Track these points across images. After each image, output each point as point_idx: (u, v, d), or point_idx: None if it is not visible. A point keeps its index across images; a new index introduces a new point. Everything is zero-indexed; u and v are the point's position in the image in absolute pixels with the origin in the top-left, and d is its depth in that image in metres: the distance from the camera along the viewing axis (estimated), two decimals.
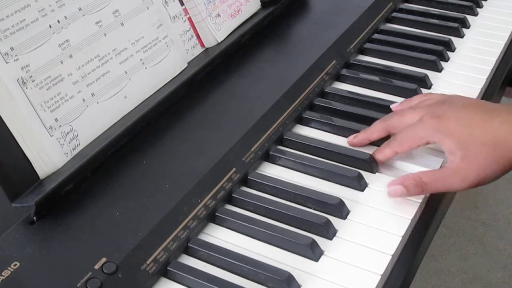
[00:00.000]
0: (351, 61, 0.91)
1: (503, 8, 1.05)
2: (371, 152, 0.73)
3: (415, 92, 0.84)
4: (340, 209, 0.66)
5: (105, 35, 0.73)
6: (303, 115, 0.80)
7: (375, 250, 0.63)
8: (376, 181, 0.71)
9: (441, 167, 0.72)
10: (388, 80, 0.87)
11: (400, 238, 0.64)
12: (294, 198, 0.69)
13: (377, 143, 0.75)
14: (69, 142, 0.68)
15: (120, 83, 0.74)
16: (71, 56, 0.69)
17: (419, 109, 0.72)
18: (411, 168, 0.72)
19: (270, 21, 0.95)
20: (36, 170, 0.64)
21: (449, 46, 0.95)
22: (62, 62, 0.68)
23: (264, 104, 0.78)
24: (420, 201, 0.68)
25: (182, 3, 0.84)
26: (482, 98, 0.87)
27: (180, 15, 0.84)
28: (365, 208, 0.68)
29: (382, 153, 0.72)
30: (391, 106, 0.79)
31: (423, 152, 0.73)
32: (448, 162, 0.67)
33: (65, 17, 0.69)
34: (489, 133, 0.65)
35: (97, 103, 0.71)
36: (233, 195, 0.68)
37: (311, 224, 0.65)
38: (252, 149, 0.72)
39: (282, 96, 0.80)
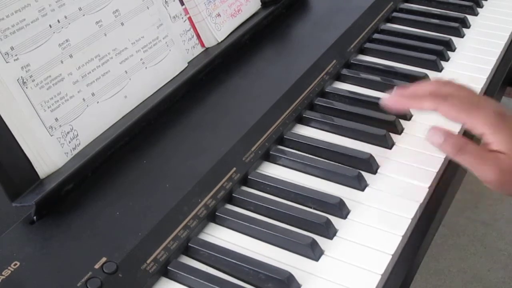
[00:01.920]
0: (352, 61, 0.91)
1: (504, 8, 1.05)
2: (371, 152, 0.73)
3: None
4: (341, 209, 0.66)
5: (105, 34, 0.73)
6: (304, 115, 0.80)
7: (375, 249, 0.62)
8: (377, 181, 0.71)
9: (441, 172, 0.72)
10: (388, 80, 0.87)
11: (400, 238, 0.64)
12: (294, 197, 0.69)
13: (375, 141, 0.75)
14: (69, 142, 0.68)
15: (120, 83, 0.74)
16: (71, 56, 0.69)
17: (479, 98, 0.67)
18: (411, 168, 0.72)
19: (270, 21, 0.95)
20: (36, 170, 0.64)
21: (450, 46, 0.95)
22: (62, 62, 0.68)
23: (265, 104, 0.78)
24: (420, 201, 0.68)
25: (182, 3, 0.84)
26: None
27: (180, 15, 0.84)
28: (366, 208, 0.68)
29: (420, 102, 0.67)
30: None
31: (425, 151, 0.73)
32: (495, 153, 0.63)
33: (65, 16, 0.69)
34: None
35: (97, 102, 0.71)
36: (233, 194, 0.68)
37: (311, 224, 0.65)
38: (253, 149, 0.72)
39: (282, 96, 0.80)
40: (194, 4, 0.85)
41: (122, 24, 0.75)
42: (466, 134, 0.72)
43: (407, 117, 0.81)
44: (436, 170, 0.72)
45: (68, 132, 0.68)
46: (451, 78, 0.71)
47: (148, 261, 0.59)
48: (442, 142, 0.64)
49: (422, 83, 0.70)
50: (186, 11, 0.85)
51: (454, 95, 0.66)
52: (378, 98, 0.83)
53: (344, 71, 0.88)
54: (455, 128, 0.72)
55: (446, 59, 0.92)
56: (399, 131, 0.78)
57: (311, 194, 0.68)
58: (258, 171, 0.72)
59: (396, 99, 0.70)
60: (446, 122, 0.66)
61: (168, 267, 0.60)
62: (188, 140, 0.73)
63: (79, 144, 0.69)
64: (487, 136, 0.64)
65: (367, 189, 0.70)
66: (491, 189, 0.64)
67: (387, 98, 0.71)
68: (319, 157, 0.74)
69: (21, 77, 0.64)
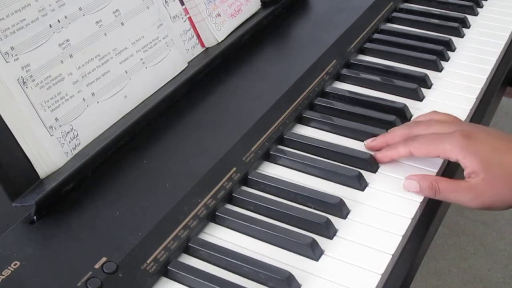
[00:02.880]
0: (352, 61, 0.91)
1: (504, 8, 1.05)
2: (371, 152, 0.73)
3: (415, 92, 0.84)
4: (341, 209, 0.66)
5: (105, 34, 0.73)
6: (304, 115, 0.80)
7: (375, 249, 0.62)
8: (377, 181, 0.71)
9: (441, 172, 0.72)
10: (388, 79, 0.87)
11: (400, 238, 0.64)
12: (294, 197, 0.69)
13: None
14: (69, 142, 0.68)
15: (120, 83, 0.74)
16: (71, 56, 0.69)
17: (448, 124, 0.71)
18: (411, 168, 0.72)
19: (270, 21, 0.95)
20: (36, 170, 0.64)
21: (450, 46, 0.95)
22: (62, 62, 0.68)
23: (265, 104, 0.78)
24: (420, 200, 0.68)
25: (182, 3, 0.84)
26: (482, 98, 0.87)
27: (180, 14, 0.84)
28: (366, 208, 0.68)
29: (395, 150, 0.71)
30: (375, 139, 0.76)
31: None
32: (467, 180, 0.67)
33: (65, 16, 0.69)
34: (510, 161, 0.66)
35: (97, 102, 0.71)
36: (233, 194, 0.68)
37: (311, 224, 0.65)
38: (253, 149, 0.72)
39: (283, 95, 0.80)
40: (194, 4, 0.85)
41: (122, 24, 0.75)
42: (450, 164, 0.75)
43: (407, 117, 0.81)
44: (436, 170, 0.72)
45: (68, 132, 0.68)
46: (430, 112, 0.76)
47: (148, 261, 0.59)
48: (418, 190, 0.68)
49: (395, 129, 0.75)
50: (186, 11, 0.85)
51: (423, 134, 0.71)
52: (378, 98, 0.83)
53: (344, 71, 0.88)
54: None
55: (446, 59, 0.92)
56: None
57: (311, 194, 0.68)
58: (258, 171, 0.72)
59: (376, 149, 0.74)
60: None
61: (168, 267, 0.60)
62: (188, 140, 0.73)
63: (79, 144, 0.69)
64: (461, 161, 0.68)
65: (367, 189, 0.70)
66: (482, 209, 0.68)
67: (368, 144, 0.75)
68: (319, 157, 0.74)
69: (21, 77, 0.64)
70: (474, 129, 0.70)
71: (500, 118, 2.07)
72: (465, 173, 0.68)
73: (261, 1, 0.95)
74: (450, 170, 0.75)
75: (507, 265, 1.70)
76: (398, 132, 0.73)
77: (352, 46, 0.92)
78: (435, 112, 0.76)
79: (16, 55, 0.64)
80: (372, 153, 0.73)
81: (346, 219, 0.66)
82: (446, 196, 0.68)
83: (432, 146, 0.69)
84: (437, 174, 0.72)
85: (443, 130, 0.70)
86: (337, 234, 0.65)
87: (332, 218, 0.65)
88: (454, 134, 0.68)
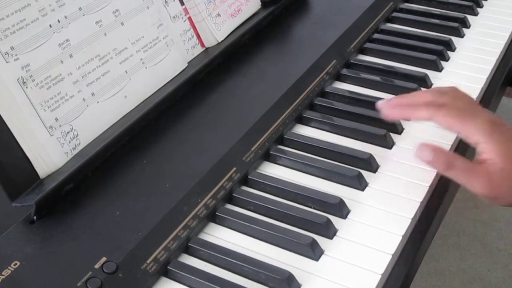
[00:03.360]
0: (352, 61, 0.91)
1: (504, 8, 1.05)
2: (371, 152, 0.73)
3: None
4: (341, 209, 0.66)
5: (105, 34, 0.73)
6: (304, 115, 0.80)
7: (375, 249, 0.62)
8: (377, 181, 0.71)
9: None
10: (388, 79, 0.87)
11: (400, 238, 0.64)
12: (294, 197, 0.69)
13: (375, 141, 0.75)
14: (69, 142, 0.68)
15: (120, 83, 0.74)
16: (71, 56, 0.69)
17: (474, 105, 0.68)
18: (411, 167, 0.72)
19: (270, 21, 0.95)
20: (36, 170, 0.64)
21: (450, 46, 0.95)
22: (62, 62, 0.68)
23: (265, 104, 0.78)
24: (420, 200, 0.68)
25: (182, 3, 0.84)
26: (482, 98, 0.87)
27: (180, 14, 0.84)
28: (366, 208, 0.68)
29: (416, 111, 0.67)
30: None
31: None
32: (485, 165, 0.64)
33: (65, 16, 0.69)
34: None
35: (97, 102, 0.71)
36: (233, 194, 0.68)
37: (311, 224, 0.65)
38: (253, 149, 0.72)
39: (283, 95, 0.80)
40: (194, 4, 0.85)
41: (122, 24, 0.75)
42: (462, 143, 0.72)
43: None
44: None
45: (68, 132, 0.68)
46: (452, 86, 0.72)
47: (148, 261, 0.59)
48: (431, 159, 0.65)
49: (419, 92, 0.70)
50: (186, 11, 0.85)
51: (450, 105, 0.66)
52: (378, 98, 0.83)
53: (344, 71, 0.88)
54: (451, 138, 0.72)
55: (446, 59, 0.92)
56: (399, 131, 0.78)
57: (311, 194, 0.68)
58: (258, 171, 0.72)
59: (392, 106, 0.70)
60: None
61: (168, 267, 0.60)
62: (188, 140, 0.73)
63: (79, 144, 0.69)
64: (481, 145, 0.64)
65: (367, 189, 0.70)
66: (487, 201, 0.65)
67: (383, 103, 0.71)
68: (319, 157, 0.74)
69: (21, 77, 0.64)
70: (499, 119, 0.66)
71: None
72: (479, 157, 0.65)
73: (261, 1, 0.95)
74: None
75: (507, 265, 1.70)
76: (421, 98, 0.68)
77: (352, 46, 0.92)
78: (457, 88, 0.71)
79: (16, 55, 0.64)
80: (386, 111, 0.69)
81: (346, 219, 0.66)
82: (458, 174, 0.64)
83: (457, 121, 0.65)
84: (437, 174, 0.71)
85: (470, 109, 0.66)
86: (337, 234, 0.65)
87: (332, 218, 0.65)
88: (482, 117, 0.65)
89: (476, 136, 0.64)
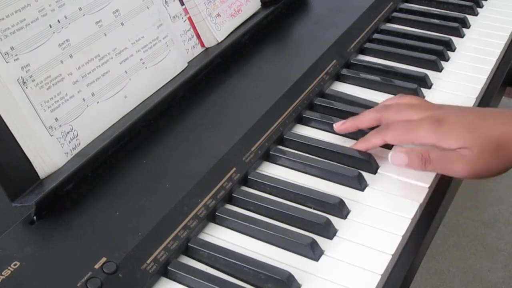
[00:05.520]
0: (351, 61, 0.91)
1: (504, 8, 1.05)
2: (371, 152, 0.73)
3: (415, 92, 0.84)
4: (340, 209, 0.66)
5: (105, 34, 0.73)
6: (303, 115, 0.80)
7: (375, 249, 0.62)
8: (376, 181, 0.71)
9: None
10: (388, 80, 0.87)
11: (400, 238, 0.64)
12: (294, 197, 0.69)
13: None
14: (69, 142, 0.68)
15: (120, 83, 0.74)
16: (71, 56, 0.69)
17: (418, 108, 0.71)
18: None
19: (270, 21, 0.95)
20: (36, 170, 0.64)
21: (449, 46, 0.95)
22: (62, 62, 0.68)
23: (264, 104, 0.78)
24: (420, 200, 0.68)
25: (182, 3, 0.84)
26: (482, 98, 0.87)
27: (180, 15, 0.84)
28: (365, 208, 0.68)
29: (369, 142, 0.72)
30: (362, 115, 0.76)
31: None
32: (457, 150, 0.67)
33: (65, 16, 0.69)
34: (493, 132, 0.66)
35: (97, 102, 0.71)
36: (233, 194, 0.68)
37: (311, 224, 0.65)
38: (252, 149, 0.72)
39: (282, 96, 0.80)
40: (194, 4, 0.85)
41: (122, 24, 0.75)
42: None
43: None
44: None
45: (68, 132, 0.68)
46: (396, 96, 0.77)
47: (148, 261, 0.59)
48: (407, 162, 0.68)
49: (362, 115, 0.75)
50: (186, 11, 0.85)
51: (393, 122, 0.70)
52: (378, 98, 0.83)
53: (344, 71, 0.88)
54: None
55: (446, 59, 0.92)
56: None
57: (311, 194, 0.68)
58: (258, 171, 0.72)
59: (341, 131, 0.75)
60: None
61: (168, 267, 0.60)
62: (188, 140, 0.73)
63: (79, 144, 0.69)
64: (437, 144, 0.68)
65: (367, 189, 0.70)
66: (472, 179, 0.68)
67: (339, 127, 0.76)
68: (319, 157, 0.74)
69: (21, 77, 0.64)
70: (443, 111, 0.70)
71: None
72: (448, 150, 0.68)
73: (261, 1, 0.95)
74: None
75: (507, 265, 1.70)
76: (368, 116, 0.74)
77: (352, 46, 0.92)
78: (401, 95, 0.76)
79: (16, 55, 0.64)
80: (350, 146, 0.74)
81: (346, 219, 0.66)
82: (437, 166, 0.67)
83: (406, 134, 0.69)
84: (437, 174, 0.71)
85: (414, 115, 0.70)
86: (337, 234, 0.65)
87: (332, 218, 0.65)
88: (426, 120, 0.68)
89: (428, 139, 0.68)
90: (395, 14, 1.02)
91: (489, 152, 0.66)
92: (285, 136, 0.76)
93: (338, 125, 0.76)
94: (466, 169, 0.66)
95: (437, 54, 0.92)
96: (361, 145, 0.73)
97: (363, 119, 0.74)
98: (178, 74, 0.81)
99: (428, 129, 0.68)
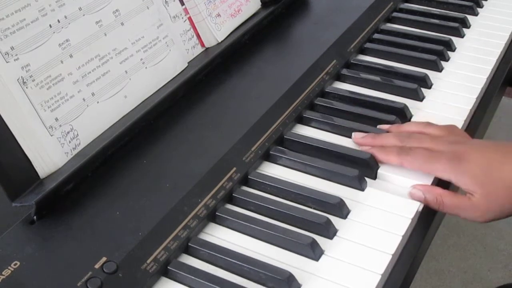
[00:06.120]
0: (352, 61, 0.91)
1: (504, 8, 1.05)
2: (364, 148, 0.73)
3: (415, 92, 0.84)
4: (341, 209, 0.66)
5: (105, 34, 0.73)
6: (304, 115, 0.80)
7: (375, 249, 0.62)
8: (377, 181, 0.71)
9: None
10: (388, 79, 0.87)
11: (400, 238, 0.64)
12: (294, 197, 0.69)
13: None
14: (69, 142, 0.68)
15: (120, 83, 0.74)
16: (71, 56, 0.69)
17: (441, 140, 0.71)
18: (411, 170, 0.72)
19: (270, 21, 0.95)
20: (36, 170, 0.64)
21: (450, 46, 0.95)
22: (62, 62, 0.68)
23: (264, 104, 0.78)
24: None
25: (182, 3, 0.84)
26: (482, 98, 0.87)
27: (180, 14, 0.84)
28: (366, 208, 0.67)
29: (387, 157, 0.72)
30: (382, 127, 0.77)
31: None
32: (469, 197, 0.67)
33: (65, 16, 0.69)
34: (508, 175, 0.67)
35: (97, 102, 0.71)
36: (233, 194, 0.68)
37: (311, 224, 0.65)
38: (253, 149, 0.72)
39: (282, 95, 0.80)
40: (194, 4, 0.85)
41: (122, 24, 0.75)
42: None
43: (407, 117, 0.81)
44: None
45: (68, 132, 0.68)
46: (421, 123, 0.76)
47: (148, 261, 0.59)
48: (423, 201, 0.69)
49: (388, 135, 0.75)
50: (186, 11, 0.85)
51: (415, 150, 0.71)
52: (378, 98, 0.83)
53: (344, 71, 0.88)
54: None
55: (446, 59, 0.92)
56: None
57: (311, 194, 0.68)
58: (258, 171, 0.72)
59: (363, 145, 0.75)
60: None
61: (168, 267, 0.60)
62: (188, 140, 0.73)
63: (79, 144, 0.69)
64: (453, 181, 0.69)
65: (367, 189, 0.70)
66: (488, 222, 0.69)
67: (358, 139, 0.76)
68: (319, 157, 0.74)
69: (21, 77, 0.64)
70: (467, 147, 0.70)
71: (500, 118, 2.07)
72: (463, 190, 0.68)
73: (261, 1, 0.95)
74: None
75: (507, 265, 1.70)
76: (387, 140, 0.74)
77: (352, 46, 0.92)
78: (428, 124, 0.76)
79: (16, 55, 0.64)
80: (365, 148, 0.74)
81: (346, 219, 0.66)
82: (449, 211, 0.69)
83: (424, 165, 0.70)
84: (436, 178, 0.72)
85: (436, 147, 0.70)
86: (337, 234, 0.65)
87: (332, 218, 0.65)
88: (446, 155, 0.69)
89: (446, 175, 0.69)
90: (395, 14, 1.02)
91: (503, 197, 0.66)
92: (285, 136, 0.76)
93: (358, 137, 0.76)
94: (480, 218, 0.68)
95: (437, 54, 0.92)
96: (379, 155, 0.72)
97: (383, 142, 0.74)
98: (178, 74, 0.81)
99: (446, 165, 0.68)
